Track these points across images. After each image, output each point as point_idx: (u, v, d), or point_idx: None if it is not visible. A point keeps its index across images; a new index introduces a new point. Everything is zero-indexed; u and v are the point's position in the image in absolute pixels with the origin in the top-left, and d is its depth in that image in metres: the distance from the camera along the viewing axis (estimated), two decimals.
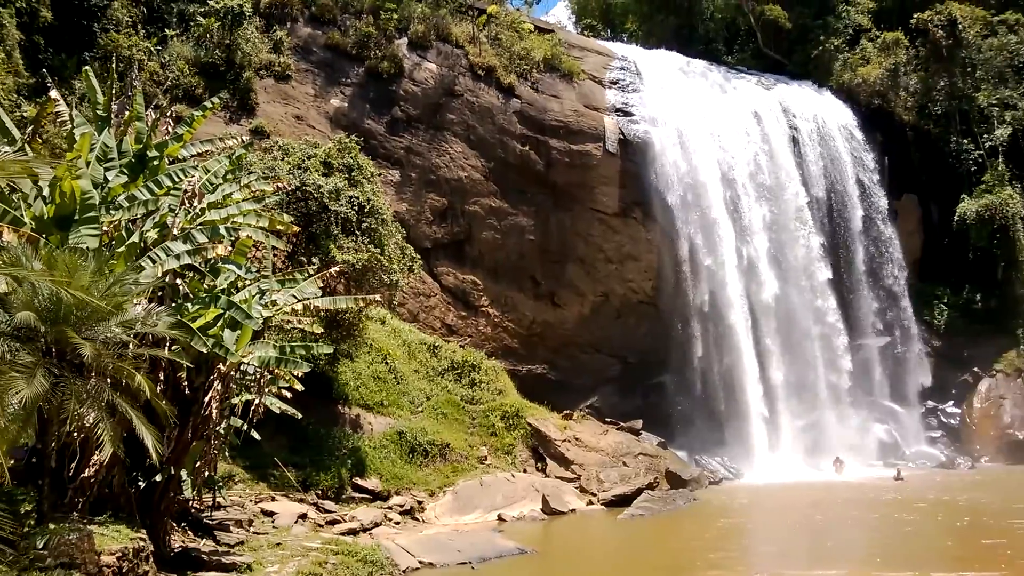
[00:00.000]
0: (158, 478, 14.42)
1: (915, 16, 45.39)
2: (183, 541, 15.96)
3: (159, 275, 13.78)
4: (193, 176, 15.32)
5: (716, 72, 43.94)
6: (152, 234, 14.61)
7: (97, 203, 13.65)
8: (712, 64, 45.19)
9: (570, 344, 37.78)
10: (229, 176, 16.75)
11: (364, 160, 27.26)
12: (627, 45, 47.26)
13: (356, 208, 25.06)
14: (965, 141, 44.67)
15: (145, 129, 16.04)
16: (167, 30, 32.14)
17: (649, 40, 51.70)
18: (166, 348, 13.57)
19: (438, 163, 35.60)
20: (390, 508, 23.24)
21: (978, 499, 26.45)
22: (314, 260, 22.69)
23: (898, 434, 38.51)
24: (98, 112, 15.92)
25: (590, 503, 26.91)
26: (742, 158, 38.82)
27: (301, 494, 22.32)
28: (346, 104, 35.13)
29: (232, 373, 15.06)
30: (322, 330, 19.78)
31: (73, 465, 12.86)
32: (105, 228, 13.91)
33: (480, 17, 38.94)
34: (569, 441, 29.94)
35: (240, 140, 17.99)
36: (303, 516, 20.46)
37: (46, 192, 13.53)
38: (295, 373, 16.40)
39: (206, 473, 15.89)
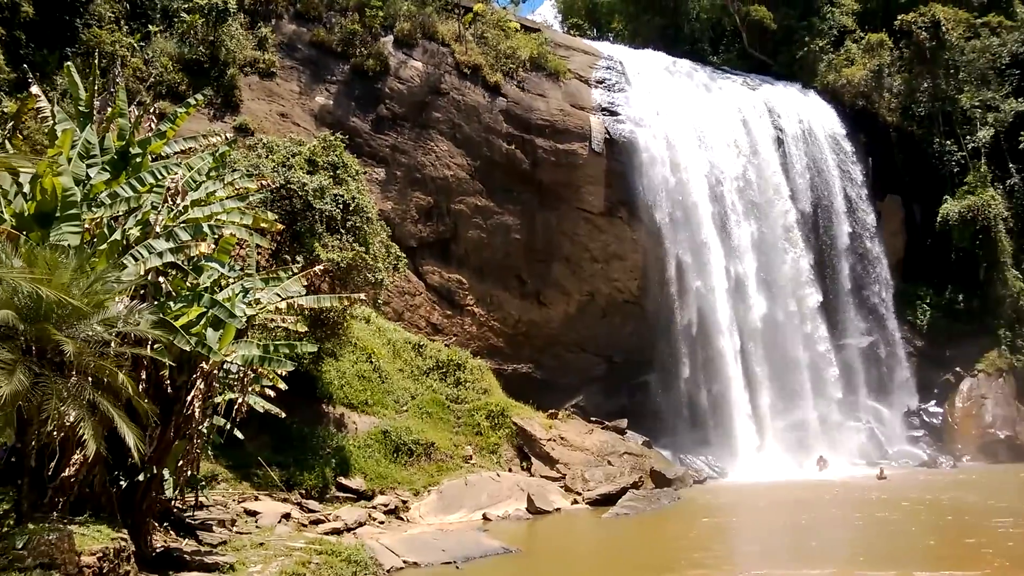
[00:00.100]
0: (140, 478, 14.29)
1: (899, 18, 45.71)
2: (165, 541, 15.82)
3: (141, 273, 13.66)
4: (176, 173, 15.19)
5: (702, 72, 44.07)
6: (134, 232, 14.47)
7: (79, 200, 13.51)
8: (698, 64, 45.33)
9: (556, 343, 37.79)
10: (213, 173, 16.62)
11: (349, 158, 27.14)
12: (613, 45, 47.37)
13: (341, 206, 24.93)
14: (948, 142, 45.04)
15: (128, 126, 15.89)
16: (150, 26, 31.89)
17: (635, 40, 51.84)
18: (148, 347, 13.45)
19: (424, 161, 35.52)
20: (374, 507, 23.14)
21: (960, 498, 26.63)
22: (298, 258, 22.54)
23: (881, 433, 38.77)
24: (80, 108, 15.75)
25: (575, 502, 26.91)
26: (730, 171, 38.72)
27: (285, 494, 22.19)
28: (331, 102, 34.98)
29: (215, 372, 14.94)
30: (306, 329, 19.71)
31: (53, 464, 12.72)
32: (87, 225, 13.78)
33: (466, 15, 38.88)
34: (554, 440, 29.93)
35: (224, 137, 17.82)
36: (287, 516, 20.33)
37: (27, 189, 13.40)
38: (279, 372, 16.28)
39: (188, 472, 15.74)
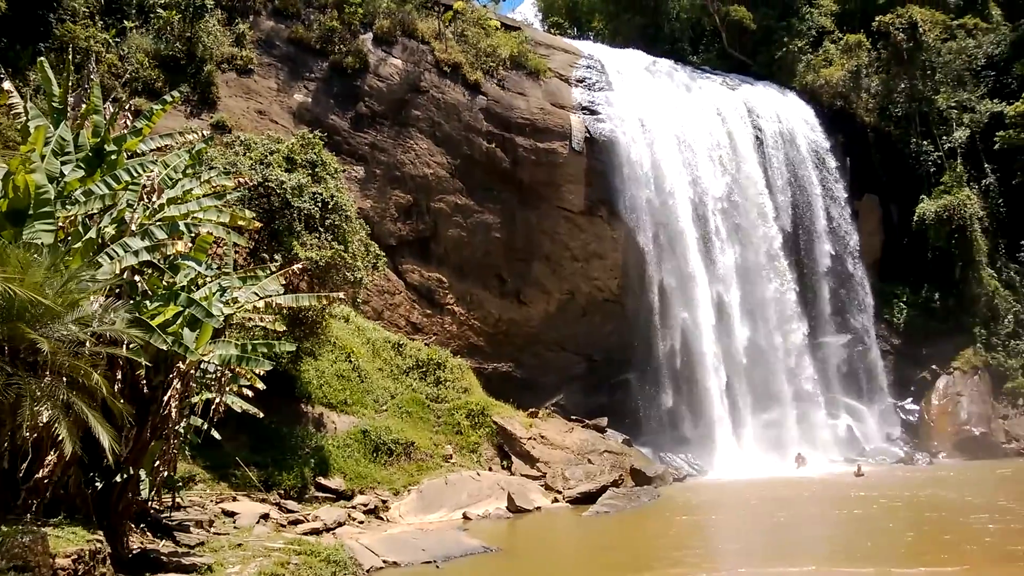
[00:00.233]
0: (117, 479, 14.13)
1: (877, 19, 46.05)
2: (142, 542, 15.65)
3: (117, 272, 13.50)
4: (152, 171, 15.04)
5: (682, 72, 44.18)
6: (110, 230, 14.30)
7: (52, 198, 13.32)
8: (678, 64, 45.42)
9: (536, 342, 37.77)
10: (189, 171, 16.46)
11: (328, 156, 26.99)
12: (593, 44, 47.46)
13: (319, 204, 24.78)
14: (925, 143, 45.48)
15: (103, 122, 15.69)
16: (126, 21, 31.52)
17: (615, 39, 51.98)
18: (124, 346, 13.28)
19: (403, 160, 35.38)
20: (354, 507, 23.04)
21: (937, 494, 26.88)
22: (276, 257, 22.40)
23: (858, 430, 39.04)
24: (54, 104, 15.53)
25: (555, 501, 26.92)
26: (714, 190, 38.66)
27: (263, 494, 22.03)
28: (310, 99, 34.76)
29: (192, 371, 14.80)
30: (284, 328, 19.58)
31: (25, 465, 12.53)
32: (61, 223, 13.60)
33: (446, 13, 38.78)
34: (535, 439, 29.94)
35: (201, 135, 17.64)
36: (265, 516, 20.19)
37: None
38: (257, 371, 16.15)
39: (165, 473, 15.55)
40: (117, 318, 12.48)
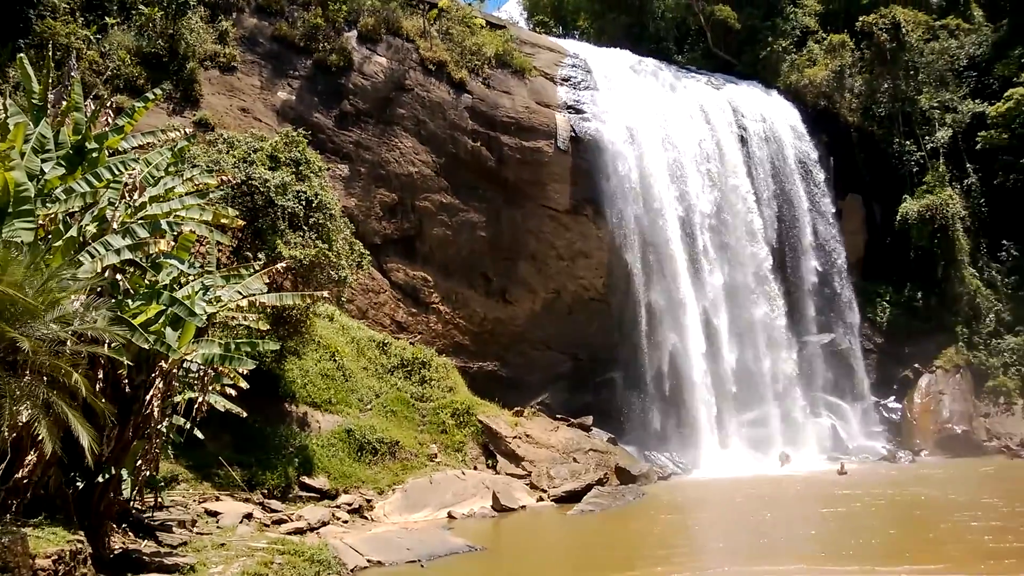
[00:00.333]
0: (99, 479, 14.01)
1: (860, 19, 46.30)
2: (123, 543, 15.53)
3: (98, 270, 13.37)
4: (134, 169, 14.88)
5: (667, 71, 44.23)
6: (91, 228, 14.17)
7: (32, 195, 13.19)
8: (663, 63, 45.48)
9: (521, 341, 37.75)
10: (172, 169, 16.31)
11: (312, 154, 26.85)
12: (579, 42, 47.47)
13: (303, 203, 24.65)
14: (907, 142, 45.76)
15: (84, 120, 15.54)
16: (107, 18, 31.21)
17: (600, 38, 52.05)
18: (106, 345, 13.17)
19: (388, 158, 35.26)
20: (338, 507, 22.95)
21: (920, 492, 27.06)
22: (260, 256, 22.27)
23: (842, 429, 39.25)
24: (34, 101, 15.39)
25: (540, 499, 26.92)
26: (700, 204, 38.62)
27: (247, 494, 21.91)
28: (293, 97, 34.58)
29: (175, 370, 14.70)
30: (268, 327, 19.45)
31: (4, 465, 12.41)
32: (41, 221, 13.46)
33: (431, 11, 38.68)
34: (520, 438, 29.93)
35: (183, 132, 17.53)
36: (248, 516, 20.07)
37: None
38: (240, 370, 16.03)
39: (147, 473, 15.44)
40: (98, 317, 12.37)
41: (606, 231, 37.50)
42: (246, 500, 21.42)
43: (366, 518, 23.13)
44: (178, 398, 16.27)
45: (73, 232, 13.63)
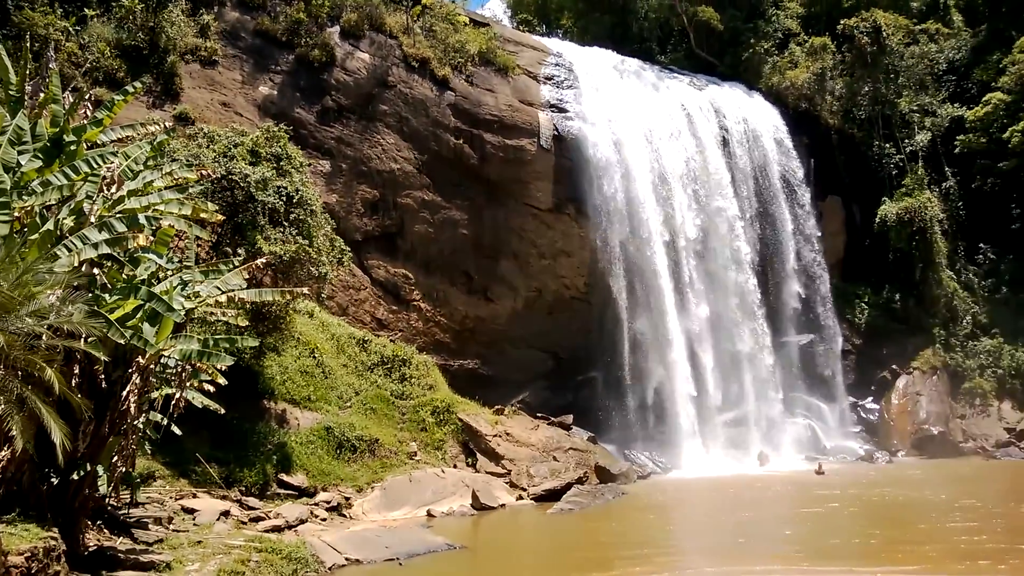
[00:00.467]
0: (74, 475, 13.85)
1: (842, 22, 46.68)
2: (99, 539, 15.39)
3: (75, 264, 13.22)
4: (113, 162, 14.73)
5: (650, 71, 44.37)
6: (68, 222, 14.00)
7: (8, 188, 13.05)
8: (646, 63, 45.62)
9: (502, 339, 37.74)
10: (151, 163, 16.17)
11: (293, 149, 26.66)
12: (562, 41, 47.56)
13: (284, 198, 24.48)
14: (887, 145, 46.19)
15: (62, 112, 15.36)
16: (86, 9, 30.85)
17: (584, 37, 52.12)
18: (82, 340, 13.02)
19: (370, 154, 35.12)
20: (316, 504, 22.81)
21: (897, 493, 27.28)
22: (240, 251, 22.12)
23: (820, 429, 39.54)
24: (10, 93, 15.16)
25: (520, 498, 26.90)
26: (686, 225, 38.68)
27: (224, 491, 21.75)
28: (275, 92, 34.34)
29: (152, 366, 14.56)
30: (247, 323, 19.31)
31: None
32: (17, 214, 13.28)
33: (414, 8, 38.54)
34: (500, 436, 29.88)
35: (163, 126, 17.32)
36: (226, 513, 19.93)
37: None
38: (218, 367, 15.92)
39: (123, 469, 15.30)
40: (75, 311, 12.22)
41: (588, 230, 37.55)
42: (223, 497, 21.26)
43: (345, 516, 23.02)
44: (155, 394, 16.14)
45: (50, 225, 13.46)
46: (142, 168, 15.75)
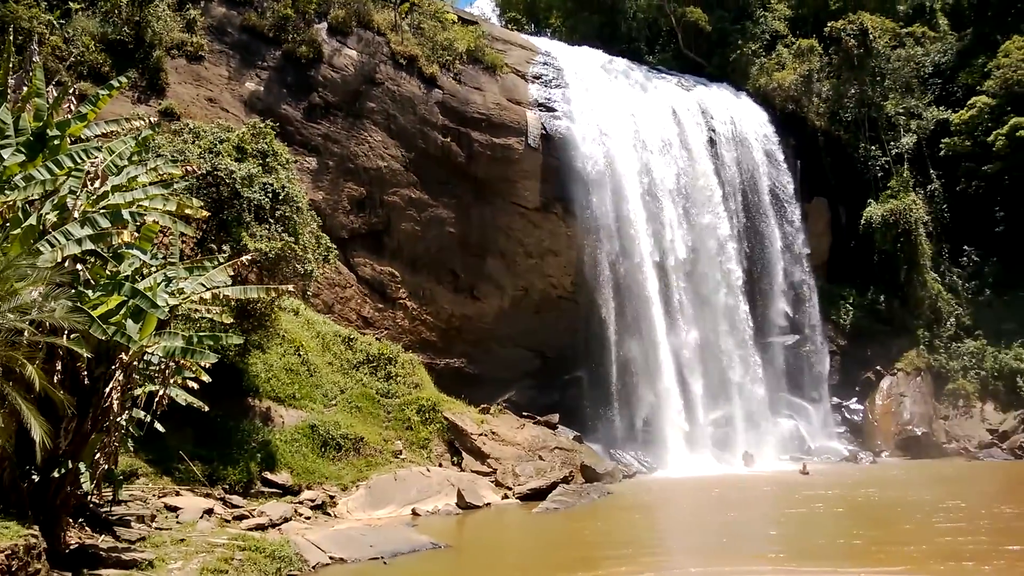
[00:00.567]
0: (56, 473, 13.72)
1: (829, 25, 46.90)
2: (80, 537, 15.25)
3: (58, 260, 13.07)
4: (97, 157, 14.56)
5: (638, 71, 44.42)
6: (51, 217, 13.84)
7: None
8: (634, 63, 45.66)
9: (489, 338, 37.69)
10: (135, 158, 16.03)
11: (279, 146, 26.51)
12: (550, 40, 47.56)
13: (270, 195, 24.33)
14: (873, 147, 46.46)
15: (45, 106, 15.16)
16: (71, 3, 30.57)
17: (572, 36, 52.15)
18: (64, 336, 12.89)
19: (357, 152, 34.99)
20: (301, 503, 22.69)
21: (880, 493, 27.41)
22: (224, 248, 21.96)
23: (804, 429, 39.74)
24: None
25: (505, 497, 26.87)
26: (679, 250, 38.70)
27: (207, 489, 21.60)
28: (262, 88, 34.16)
29: (135, 363, 14.42)
30: (232, 320, 19.18)
31: None
32: None
33: (403, 5, 38.47)
34: (486, 435, 29.83)
35: (148, 121, 17.17)
36: (209, 511, 19.79)
37: None
38: (202, 364, 15.82)
39: (106, 466, 15.14)
40: (57, 307, 12.10)
41: (575, 229, 37.55)
42: (207, 495, 21.11)
43: (329, 514, 22.91)
44: (138, 391, 15.96)
45: (32, 220, 13.30)
46: (127, 163, 15.61)
